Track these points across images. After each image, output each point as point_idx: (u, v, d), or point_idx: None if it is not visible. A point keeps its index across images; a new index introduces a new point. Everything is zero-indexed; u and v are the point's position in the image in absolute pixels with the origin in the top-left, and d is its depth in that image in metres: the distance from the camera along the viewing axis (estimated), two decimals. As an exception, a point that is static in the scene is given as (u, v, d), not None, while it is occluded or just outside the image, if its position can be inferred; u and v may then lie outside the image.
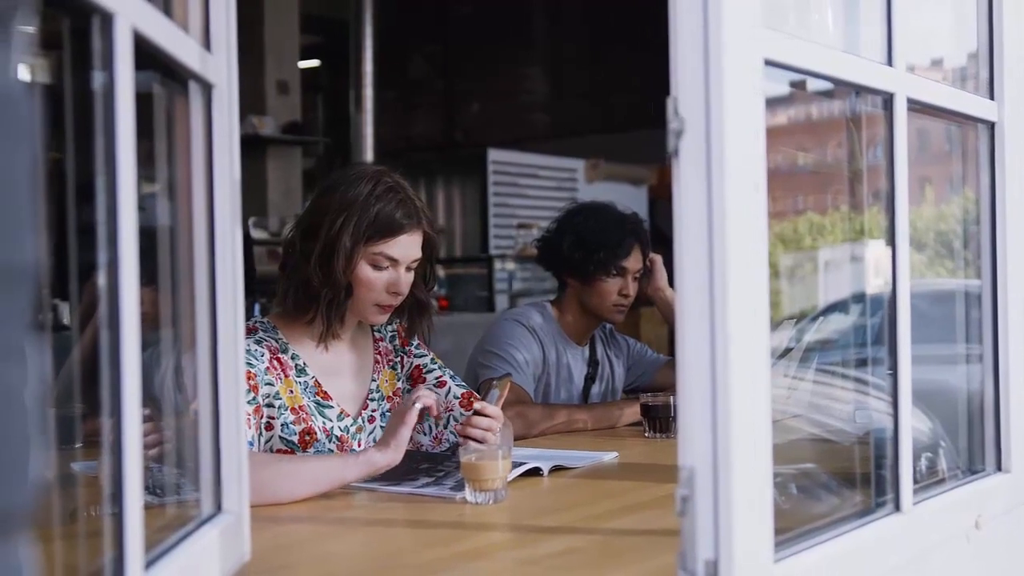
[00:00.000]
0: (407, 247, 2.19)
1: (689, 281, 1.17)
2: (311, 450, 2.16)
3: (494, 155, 8.07)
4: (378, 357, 2.36)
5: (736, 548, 1.15)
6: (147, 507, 1.06)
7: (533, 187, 8.18)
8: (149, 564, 1.09)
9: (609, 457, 2.34)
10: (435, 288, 2.40)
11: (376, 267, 2.18)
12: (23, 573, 0.58)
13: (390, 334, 2.40)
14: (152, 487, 1.33)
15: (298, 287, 2.19)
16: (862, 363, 1.93)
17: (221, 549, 1.31)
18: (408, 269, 2.22)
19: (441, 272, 7.62)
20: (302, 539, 1.71)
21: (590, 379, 3.11)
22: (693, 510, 1.17)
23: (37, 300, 0.60)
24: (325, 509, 1.85)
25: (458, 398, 2.33)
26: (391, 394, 2.35)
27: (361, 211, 2.14)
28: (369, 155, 8.33)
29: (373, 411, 2.31)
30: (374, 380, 2.33)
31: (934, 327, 2.03)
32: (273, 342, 2.20)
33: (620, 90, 9.27)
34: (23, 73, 0.60)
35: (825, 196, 2.19)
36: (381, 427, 2.29)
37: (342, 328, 2.25)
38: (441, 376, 2.38)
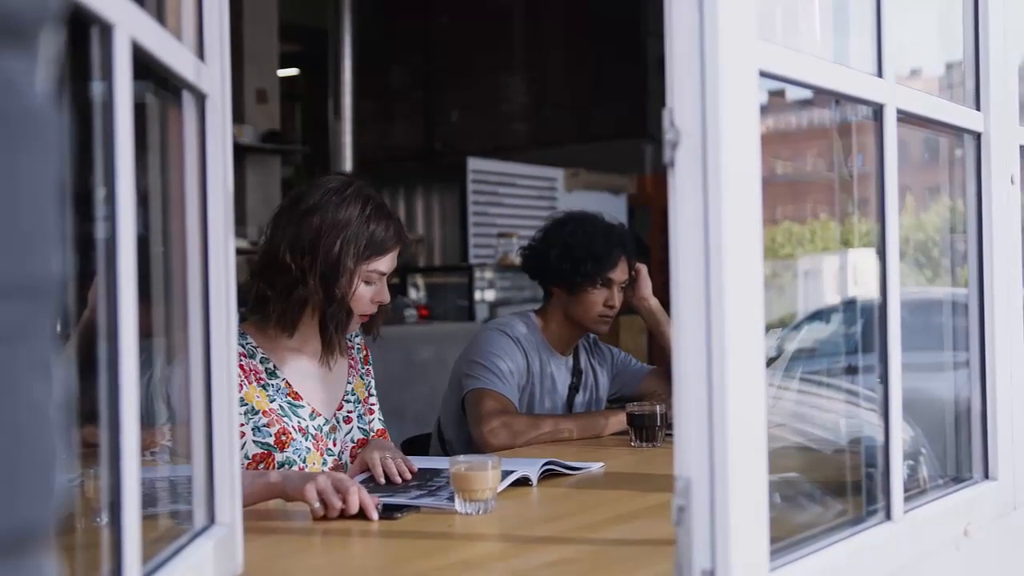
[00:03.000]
0: (393, 260, 2.30)
1: (685, 291, 1.17)
2: (289, 449, 2.20)
3: (474, 164, 8.06)
4: (351, 363, 2.43)
5: (733, 557, 1.15)
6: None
7: (513, 196, 8.17)
8: (145, 577, 1.08)
9: (596, 467, 2.34)
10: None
11: (367, 283, 2.26)
12: None
13: (357, 345, 2.47)
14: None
15: (297, 306, 2.23)
16: (846, 372, 1.94)
17: (215, 562, 1.31)
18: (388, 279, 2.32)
19: (421, 281, 7.61)
20: (293, 551, 1.70)
21: (574, 389, 3.11)
22: (689, 520, 1.17)
23: (57, 314, 0.60)
24: (317, 521, 1.84)
25: (372, 432, 2.42)
26: (364, 399, 2.43)
27: (358, 233, 2.22)
28: (348, 164, 8.31)
29: (349, 412, 2.37)
30: (349, 383, 2.40)
31: (915, 336, 2.04)
32: (239, 347, 2.21)
33: (600, 100, 9.29)
34: (48, 87, 0.60)
35: (804, 205, 2.20)
36: (359, 427, 2.37)
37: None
38: (374, 405, 2.48)
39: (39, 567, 0.56)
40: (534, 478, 2.12)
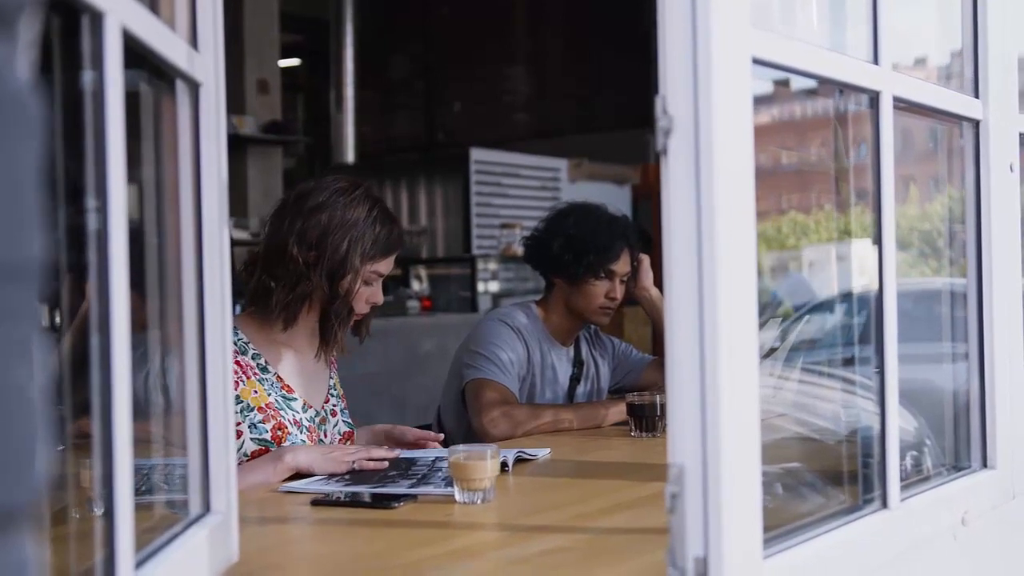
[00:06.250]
0: (391, 264, 2.36)
1: (678, 279, 1.17)
2: (285, 444, 2.23)
3: (476, 155, 8.06)
4: (332, 360, 2.47)
5: (726, 545, 1.16)
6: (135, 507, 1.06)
7: (516, 187, 8.17)
8: (139, 564, 1.09)
9: (543, 454, 2.35)
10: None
11: (367, 283, 2.30)
12: (29, 568, 0.58)
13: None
14: (138, 487, 1.32)
15: (299, 299, 2.26)
16: (847, 362, 1.94)
17: (210, 550, 1.31)
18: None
19: (423, 272, 7.62)
20: (290, 540, 1.70)
21: (575, 379, 3.11)
22: (683, 507, 1.17)
23: (39, 297, 0.60)
24: (313, 510, 1.85)
25: (340, 434, 2.43)
26: (342, 395, 2.49)
27: (365, 233, 2.26)
28: (350, 155, 8.32)
29: (334, 406, 2.43)
30: (331, 378, 2.45)
31: (918, 326, 2.03)
32: (231, 337, 2.23)
33: (603, 89, 9.29)
34: (28, 72, 0.60)
35: (809, 195, 2.19)
36: (344, 421, 2.43)
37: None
38: (343, 403, 2.50)
39: (19, 548, 0.57)
40: (510, 464, 2.16)
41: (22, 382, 0.57)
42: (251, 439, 2.20)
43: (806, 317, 2.40)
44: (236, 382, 2.20)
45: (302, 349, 2.36)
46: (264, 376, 2.27)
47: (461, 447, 1.94)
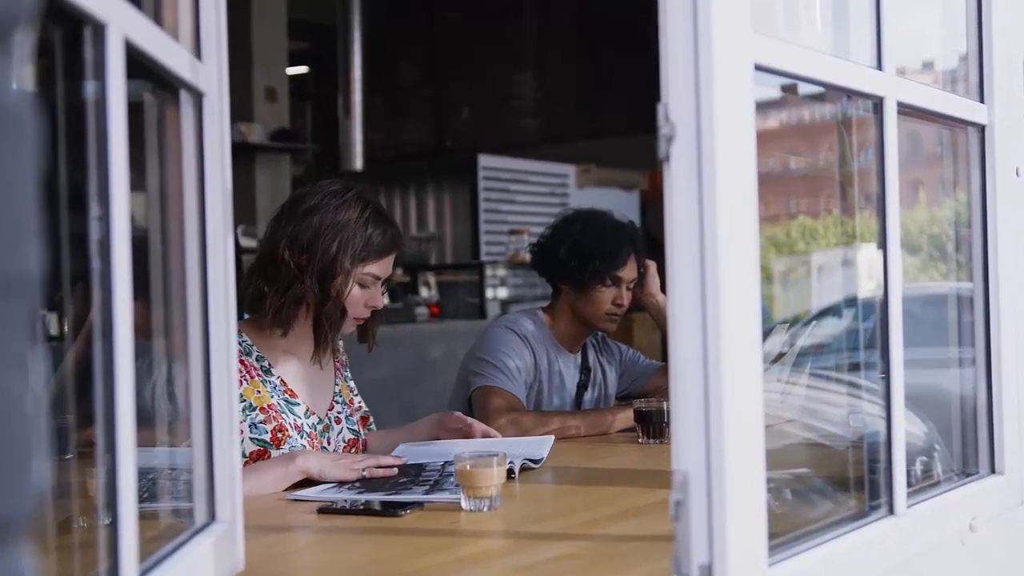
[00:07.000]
0: (388, 266, 2.34)
1: (681, 286, 1.17)
2: (285, 446, 2.23)
3: (485, 161, 8.05)
4: (338, 366, 2.47)
5: (730, 552, 1.15)
6: (140, 516, 1.06)
7: (524, 193, 8.17)
8: (143, 573, 1.09)
9: (548, 444, 2.38)
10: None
11: (362, 286, 2.30)
12: None
13: (340, 350, 2.53)
14: (142, 494, 1.32)
15: (293, 303, 2.26)
16: (855, 367, 1.94)
17: (215, 559, 1.31)
18: (383, 284, 2.35)
19: (432, 279, 7.61)
20: (296, 548, 1.70)
21: (583, 386, 3.11)
22: (687, 514, 1.17)
23: (36, 309, 0.61)
24: (319, 518, 1.85)
25: (345, 442, 2.43)
26: (349, 401, 2.47)
27: (356, 234, 2.26)
28: (359, 162, 8.32)
29: (339, 413, 2.42)
30: (336, 384, 2.45)
31: (927, 331, 2.03)
32: (236, 346, 2.24)
33: (611, 95, 9.27)
34: (24, 84, 0.60)
35: (817, 200, 2.19)
36: (348, 428, 2.42)
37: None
38: (360, 402, 2.53)
39: (16, 559, 0.57)
40: (516, 470, 2.14)
41: (18, 394, 0.57)
42: (251, 439, 2.20)
43: (814, 322, 2.40)
44: (239, 380, 2.20)
45: (305, 356, 2.35)
46: (267, 378, 2.27)
47: (467, 454, 1.94)
